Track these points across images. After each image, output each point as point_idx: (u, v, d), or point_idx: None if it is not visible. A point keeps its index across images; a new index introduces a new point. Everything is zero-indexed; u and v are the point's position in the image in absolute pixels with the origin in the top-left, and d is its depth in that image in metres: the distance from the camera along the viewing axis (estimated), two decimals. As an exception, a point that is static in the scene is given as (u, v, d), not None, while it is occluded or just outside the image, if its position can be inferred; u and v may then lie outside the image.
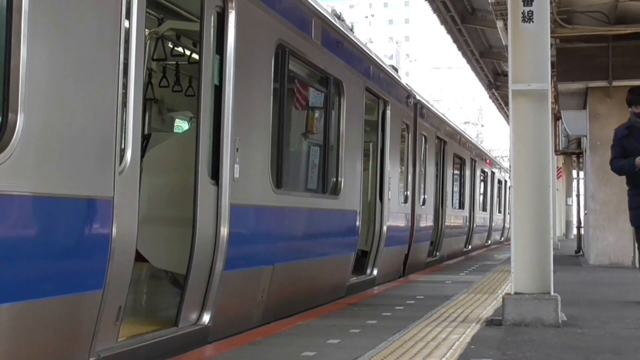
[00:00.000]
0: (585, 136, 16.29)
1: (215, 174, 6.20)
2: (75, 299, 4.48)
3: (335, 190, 9.38)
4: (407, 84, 14.13)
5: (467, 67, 24.22)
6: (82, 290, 4.52)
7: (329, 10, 9.58)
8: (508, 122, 7.83)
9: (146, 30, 5.56)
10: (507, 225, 31.39)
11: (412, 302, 8.75)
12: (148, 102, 8.50)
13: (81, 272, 4.54)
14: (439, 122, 17.17)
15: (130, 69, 5.10)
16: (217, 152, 6.25)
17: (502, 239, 31.54)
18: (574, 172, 32.37)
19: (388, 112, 11.94)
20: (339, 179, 9.45)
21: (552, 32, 10.80)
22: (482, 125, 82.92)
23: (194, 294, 5.97)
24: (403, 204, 13.28)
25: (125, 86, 4.91)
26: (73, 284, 4.45)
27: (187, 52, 8.70)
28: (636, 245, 9.18)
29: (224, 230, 6.18)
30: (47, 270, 4.25)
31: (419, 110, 14.54)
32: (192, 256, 5.83)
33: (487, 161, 26.64)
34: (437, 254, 17.17)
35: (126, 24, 5.00)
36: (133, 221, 5.07)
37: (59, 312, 4.38)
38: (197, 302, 6.05)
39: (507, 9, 7.11)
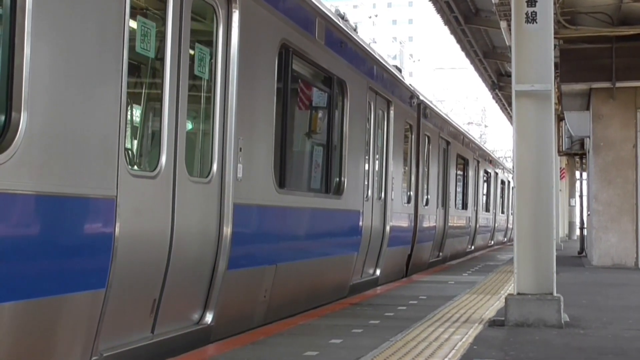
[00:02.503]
0: (589, 137, 16.27)
1: (208, 172, 6.16)
2: (74, 299, 4.48)
3: (339, 190, 9.38)
4: (410, 84, 14.12)
5: (471, 68, 24.23)
6: (82, 290, 4.52)
7: (333, 11, 9.58)
8: (511, 123, 7.83)
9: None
10: (510, 226, 31.38)
11: (415, 302, 8.75)
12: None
13: (82, 272, 4.54)
14: (443, 122, 17.16)
15: (166, 82, 5.31)
16: (211, 149, 6.21)
17: (505, 239, 31.53)
18: (577, 173, 32.26)
19: (391, 113, 11.94)
20: (342, 179, 9.45)
21: (555, 33, 10.80)
22: (486, 126, 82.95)
23: (175, 295, 5.69)
24: (406, 204, 13.28)
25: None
26: (73, 284, 4.45)
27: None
28: None
29: (227, 230, 6.18)
30: (47, 270, 4.25)
31: (423, 110, 14.53)
32: (171, 253, 5.50)
33: (491, 161, 26.63)
34: (440, 254, 17.16)
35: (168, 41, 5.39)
36: (166, 221, 5.26)
37: (59, 311, 4.38)
38: (180, 307, 5.87)
39: (510, 10, 7.12)
